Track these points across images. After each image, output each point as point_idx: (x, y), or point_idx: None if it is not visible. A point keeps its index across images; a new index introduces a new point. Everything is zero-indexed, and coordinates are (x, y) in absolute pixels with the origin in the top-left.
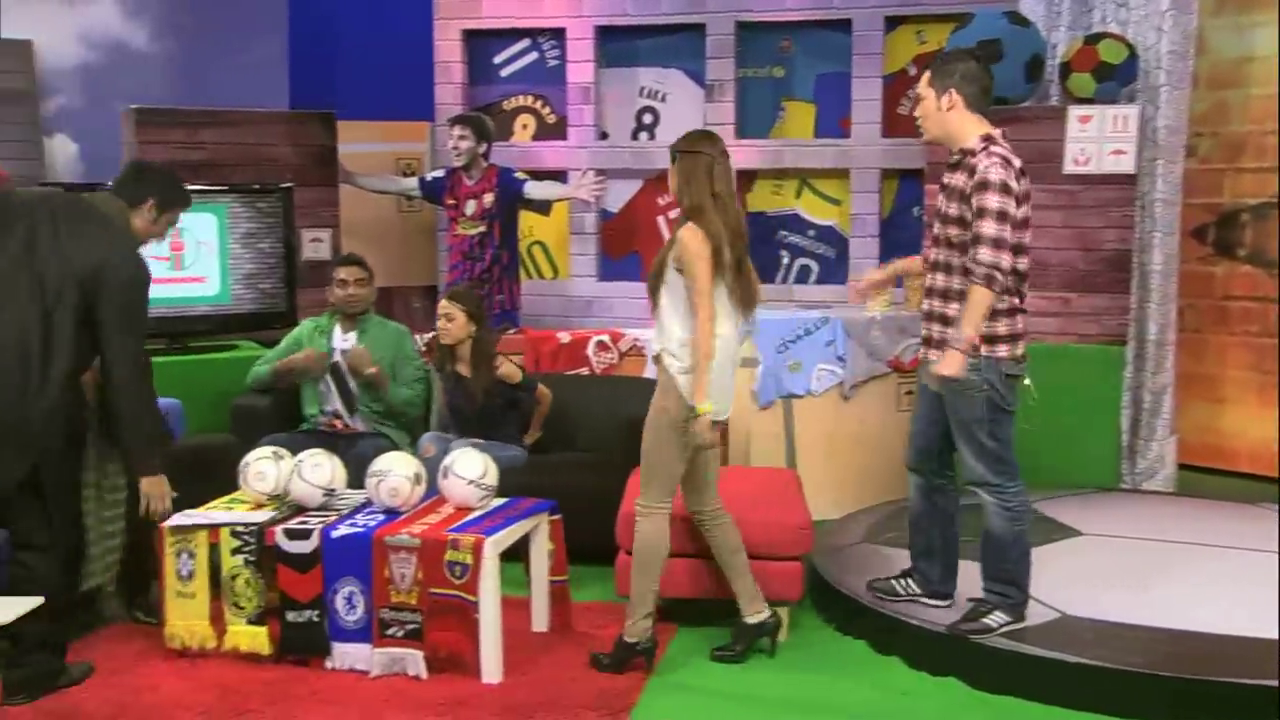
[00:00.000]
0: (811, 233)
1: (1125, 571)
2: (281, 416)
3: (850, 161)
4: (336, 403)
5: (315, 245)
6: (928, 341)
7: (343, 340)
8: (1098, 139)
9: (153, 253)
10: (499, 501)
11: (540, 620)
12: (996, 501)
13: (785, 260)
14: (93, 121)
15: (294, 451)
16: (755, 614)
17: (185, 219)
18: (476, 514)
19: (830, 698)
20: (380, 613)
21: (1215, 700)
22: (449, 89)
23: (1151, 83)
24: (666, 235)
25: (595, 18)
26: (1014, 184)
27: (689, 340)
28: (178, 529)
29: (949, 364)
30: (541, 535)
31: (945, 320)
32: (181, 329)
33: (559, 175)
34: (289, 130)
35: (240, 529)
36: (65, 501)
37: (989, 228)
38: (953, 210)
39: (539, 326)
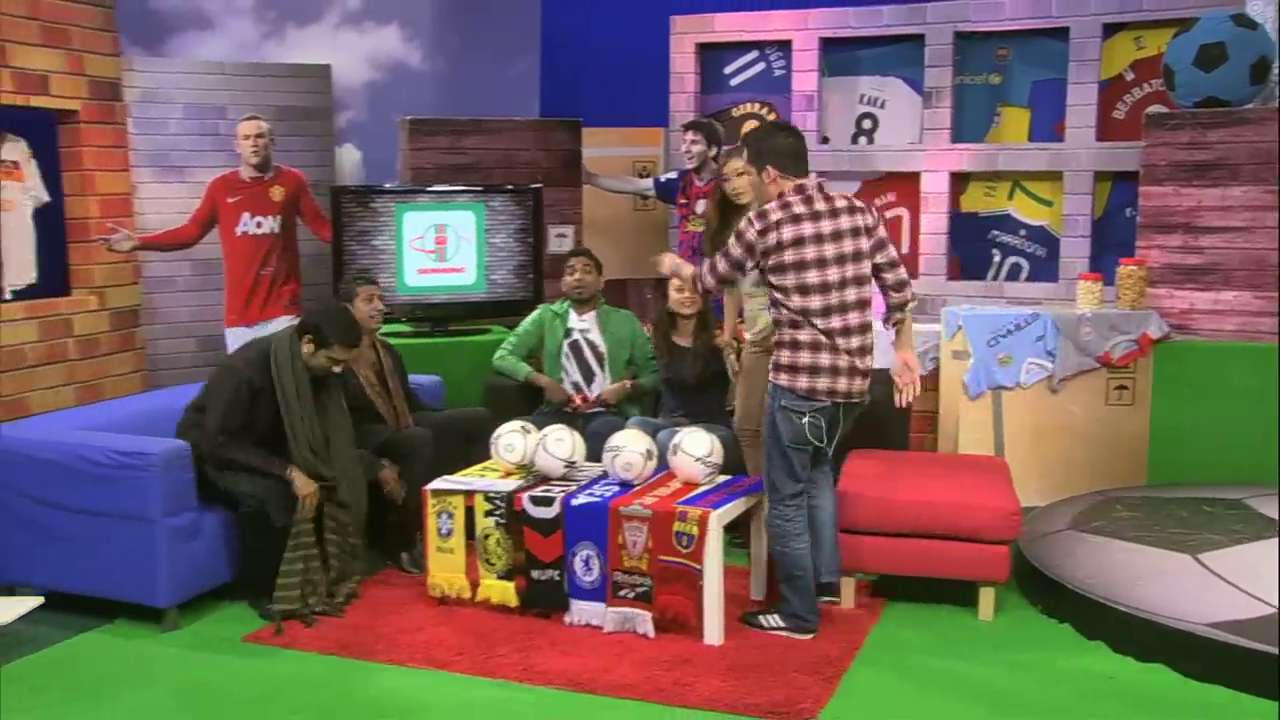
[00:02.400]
0: (1023, 232)
1: None
2: (530, 397)
3: (1064, 164)
4: (577, 375)
5: (559, 240)
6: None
7: (579, 321)
8: None
9: (420, 246)
10: (723, 478)
11: (759, 589)
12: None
13: (996, 258)
14: (374, 132)
15: (539, 427)
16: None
17: (449, 217)
18: (703, 489)
19: (1035, 678)
20: (614, 575)
21: None
22: (683, 97)
23: None
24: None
25: (820, 30)
26: (757, 226)
27: None
28: (438, 492)
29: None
30: (762, 510)
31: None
32: (443, 314)
33: None
34: (540, 136)
35: (492, 495)
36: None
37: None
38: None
39: None
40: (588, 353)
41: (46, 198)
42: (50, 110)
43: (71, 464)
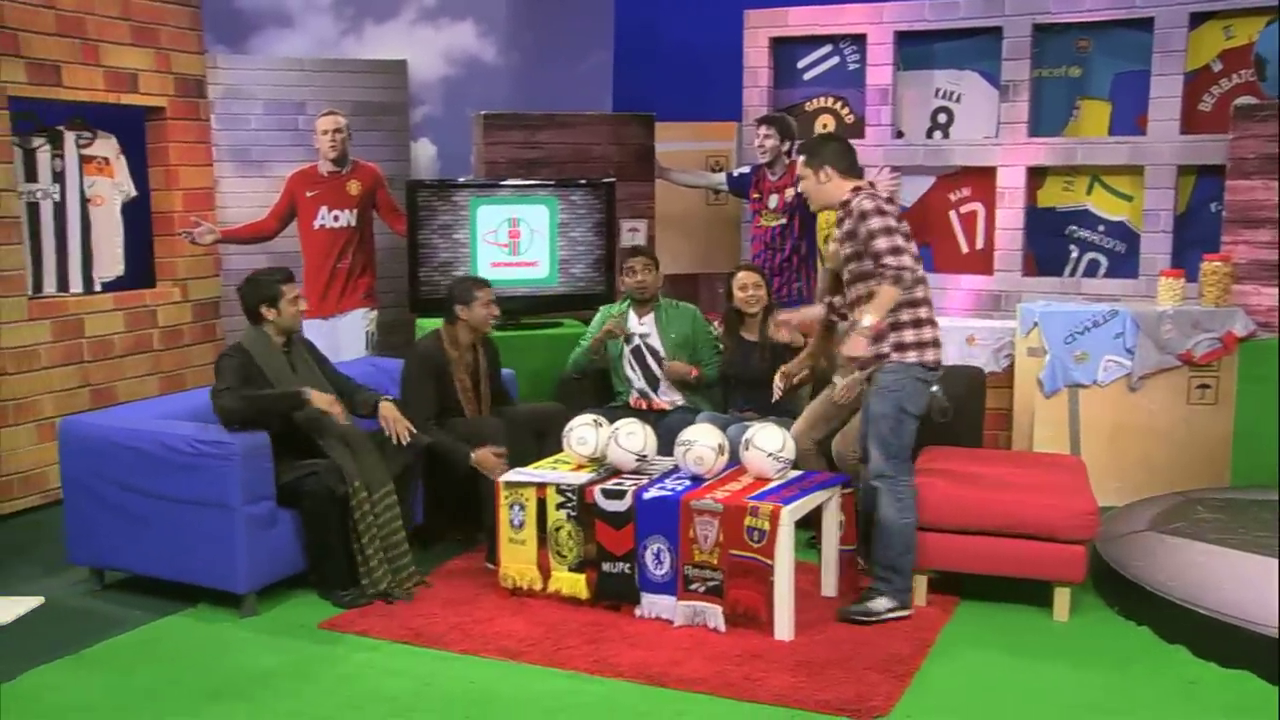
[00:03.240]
0: (1101, 228)
1: None
2: (600, 390)
3: (1145, 158)
4: (641, 382)
5: (632, 234)
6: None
7: (639, 324)
8: None
9: (494, 240)
10: (795, 473)
11: (829, 585)
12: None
13: (1074, 254)
14: (449, 127)
15: (611, 421)
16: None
17: (523, 211)
18: (774, 484)
19: (1113, 682)
20: (685, 569)
21: None
22: (756, 92)
23: None
24: (958, 229)
25: (895, 23)
26: (889, 208)
27: None
28: (510, 484)
29: (853, 346)
30: (833, 506)
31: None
32: (516, 308)
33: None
34: (613, 131)
35: (564, 487)
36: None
37: (881, 242)
38: (847, 250)
39: None
40: (649, 358)
41: (134, 192)
42: (139, 107)
43: (156, 452)
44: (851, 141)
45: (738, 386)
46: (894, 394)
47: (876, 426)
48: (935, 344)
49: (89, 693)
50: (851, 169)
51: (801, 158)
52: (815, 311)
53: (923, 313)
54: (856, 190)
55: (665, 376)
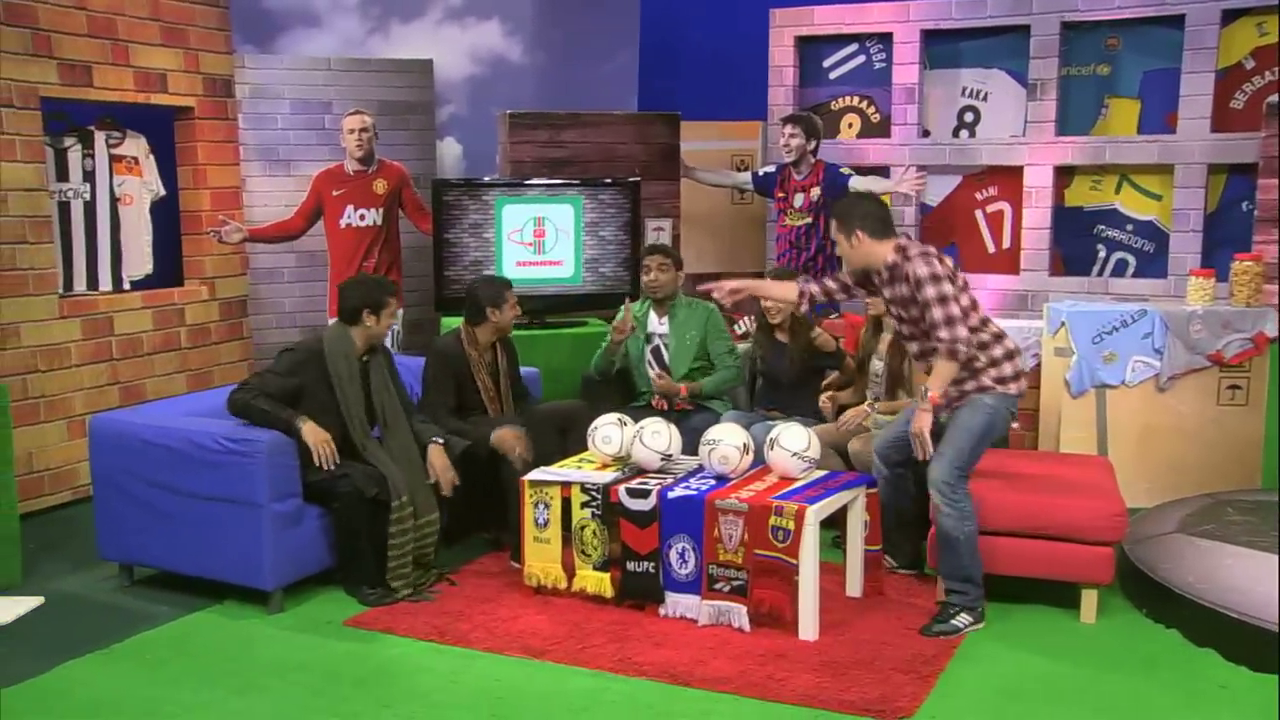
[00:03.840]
0: (1130, 227)
1: None
2: (625, 389)
3: (1175, 157)
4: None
5: (657, 233)
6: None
7: (658, 324)
8: None
9: (519, 239)
10: (819, 473)
11: (854, 585)
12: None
13: (1101, 254)
14: (474, 125)
15: (636, 420)
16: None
17: (548, 210)
18: (799, 484)
19: (1141, 685)
20: (709, 568)
21: None
22: (781, 90)
23: None
24: (984, 228)
25: (921, 22)
26: (940, 268)
27: None
28: (535, 483)
29: (919, 421)
30: (858, 507)
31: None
32: (541, 306)
33: (882, 171)
34: (638, 130)
35: (588, 486)
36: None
37: (936, 312)
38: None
39: (858, 312)
40: (666, 357)
41: (163, 191)
42: (168, 107)
43: (183, 449)
44: (877, 141)
45: (765, 386)
46: (988, 416)
47: (957, 437)
48: (1021, 376)
49: (118, 687)
50: (884, 230)
51: (834, 222)
52: (774, 289)
53: (998, 352)
54: (900, 250)
55: (654, 389)
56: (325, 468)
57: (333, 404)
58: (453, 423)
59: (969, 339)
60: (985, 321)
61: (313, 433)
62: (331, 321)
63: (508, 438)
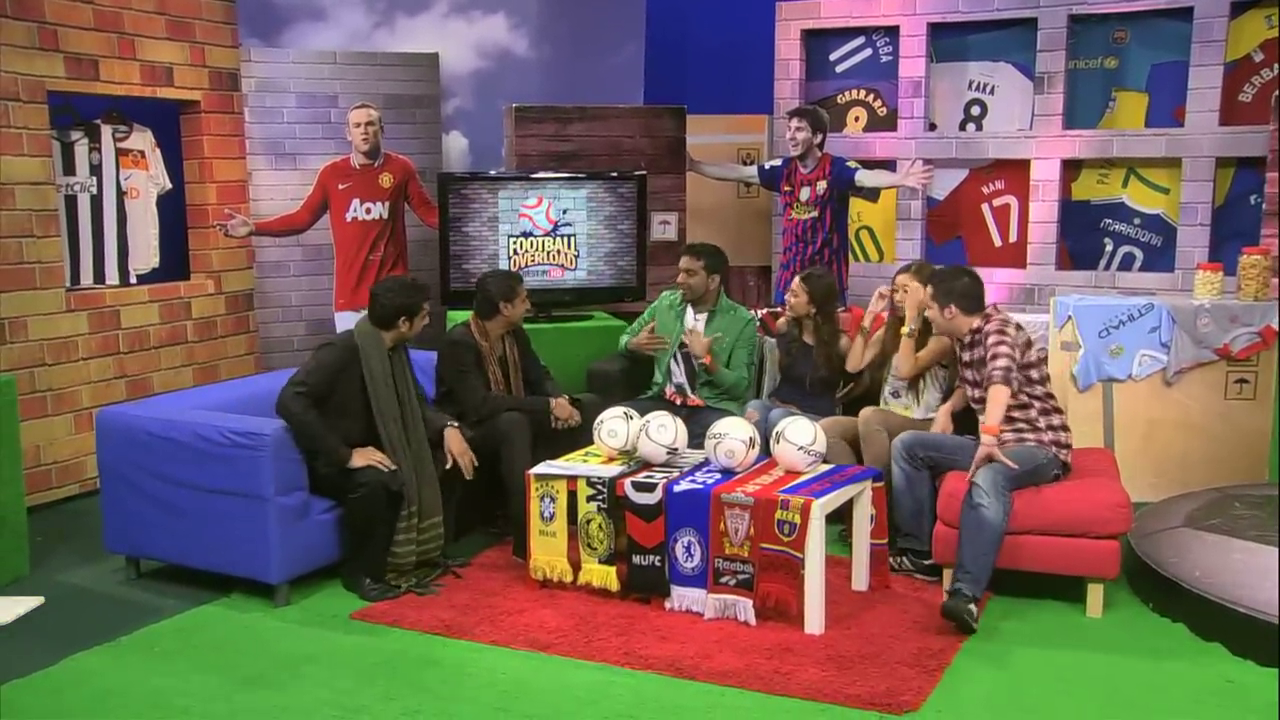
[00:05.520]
0: (1137, 220)
1: None
2: (631, 383)
3: (1183, 150)
4: (682, 378)
5: (663, 227)
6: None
7: (694, 320)
8: None
9: (525, 233)
10: (825, 467)
11: (860, 579)
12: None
13: (1109, 247)
14: (480, 119)
15: (642, 414)
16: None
17: (554, 203)
18: (805, 477)
19: (1147, 679)
20: (715, 562)
21: None
22: (787, 84)
23: None
24: (991, 222)
25: (928, 15)
26: (1010, 334)
27: None
28: (541, 477)
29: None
30: (865, 501)
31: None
32: (546, 300)
33: (888, 164)
34: (644, 123)
35: (594, 480)
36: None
37: (994, 350)
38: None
39: (865, 306)
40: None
41: (169, 185)
42: (174, 101)
43: (190, 443)
44: (883, 135)
45: (785, 380)
46: (1042, 459)
47: (1012, 455)
48: (1070, 450)
49: (125, 679)
50: (976, 307)
51: (930, 289)
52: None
53: (1056, 421)
54: (985, 318)
55: (686, 339)
56: (386, 470)
57: (362, 402)
58: (497, 401)
59: (1019, 376)
60: (1052, 395)
61: (362, 456)
62: (359, 320)
63: (565, 409)
